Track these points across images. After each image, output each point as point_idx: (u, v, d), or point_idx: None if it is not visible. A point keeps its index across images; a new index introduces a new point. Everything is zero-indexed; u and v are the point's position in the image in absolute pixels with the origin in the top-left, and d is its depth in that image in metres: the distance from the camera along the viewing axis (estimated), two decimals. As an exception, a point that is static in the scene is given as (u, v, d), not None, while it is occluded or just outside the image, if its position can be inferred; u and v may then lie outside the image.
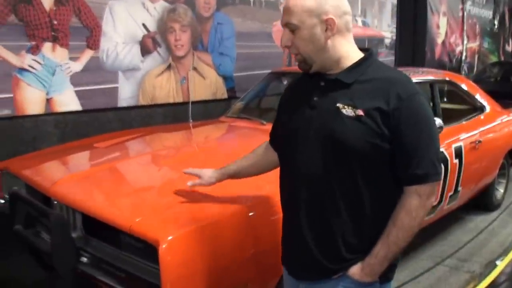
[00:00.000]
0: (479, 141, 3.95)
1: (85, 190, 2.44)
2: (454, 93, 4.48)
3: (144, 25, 4.75)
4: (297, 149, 1.55)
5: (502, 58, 14.22)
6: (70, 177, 2.59)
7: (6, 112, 3.87)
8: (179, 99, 5.13)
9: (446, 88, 4.60)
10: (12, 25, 3.82)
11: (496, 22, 13.75)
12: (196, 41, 5.28)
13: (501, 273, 3.56)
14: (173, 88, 5.09)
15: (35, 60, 3.97)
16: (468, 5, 11.85)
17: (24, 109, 3.98)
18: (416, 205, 1.47)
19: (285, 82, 4.15)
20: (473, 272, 3.56)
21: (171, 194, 2.22)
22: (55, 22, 4.07)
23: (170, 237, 1.84)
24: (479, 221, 4.61)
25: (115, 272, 2.10)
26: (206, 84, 5.43)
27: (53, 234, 2.21)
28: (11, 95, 3.89)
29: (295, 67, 2.55)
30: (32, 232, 2.55)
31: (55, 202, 2.39)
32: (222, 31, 5.57)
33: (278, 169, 1.72)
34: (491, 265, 3.67)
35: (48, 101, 4.11)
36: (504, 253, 3.89)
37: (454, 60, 11.49)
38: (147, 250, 1.92)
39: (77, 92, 4.29)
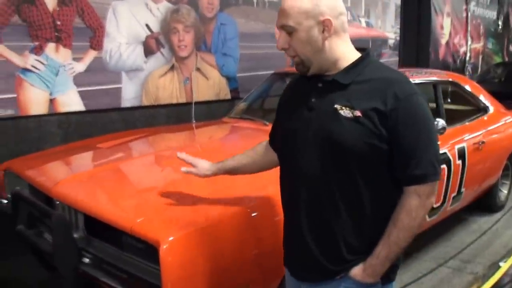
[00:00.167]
0: (483, 142, 3.94)
1: (87, 190, 2.45)
2: (458, 94, 4.47)
3: (147, 25, 4.75)
4: (296, 150, 1.55)
5: (506, 59, 14.17)
6: (72, 178, 2.60)
7: (9, 112, 3.88)
8: (182, 100, 5.13)
9: (449, 89, 4.59)
10: (16, 26, 3.84)
11: (500, 23, 13.70)
12: (199, 42, 5.28)
13: (505, 274, 3.54)
14: (176, 88, 5.09)
15: (38, 61, 3.99)
16: (472, 5, 11.81)
17: (28, 109, 3.99)
18: (416, 205, 1.47)
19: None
20: (476, 274, 3.54)
21: (173, 194, 2.22)
22: (59, 23, 4.08)
23: (171, 238, 1.84)
24: (482, 222, 4.60)
25: (116, 272, 2.09)
26: (209, 85, 5.43)
27: (54, 234, 2.22)
28: (15, 95, 3.90)
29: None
30: (35, 232, 2.56)
31: (58, 203, 2.40)
32: (226, 32, 5.57)
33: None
34: (495, 267, 3.65)
35: (52, 101, 4.12)
36: (508, 254, 3.87)
37: (458, 61, 11.46)
38: (148, 250, 1.92)
39: (80, 93, 4.30)
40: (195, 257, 1.89)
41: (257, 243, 2.11)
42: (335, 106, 1.47)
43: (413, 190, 1.47)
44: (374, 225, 1.52)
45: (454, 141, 3.61)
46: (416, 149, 1.45)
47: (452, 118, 3.88)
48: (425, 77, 3.86)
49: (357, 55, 1.55)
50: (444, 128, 3.35)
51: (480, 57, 12.76)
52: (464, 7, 11.48)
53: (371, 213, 1.51)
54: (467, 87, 4.43)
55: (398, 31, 9.25)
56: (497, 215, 4.75)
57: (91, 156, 3.23)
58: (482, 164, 4.03)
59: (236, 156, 1.96)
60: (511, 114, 4.71)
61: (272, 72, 4.55)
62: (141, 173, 2.77)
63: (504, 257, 3.81)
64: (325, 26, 1.47)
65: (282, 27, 1.50)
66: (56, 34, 4.07)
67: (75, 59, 4.23)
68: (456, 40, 11.28)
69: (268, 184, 2.10)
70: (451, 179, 3.48)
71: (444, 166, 3.37)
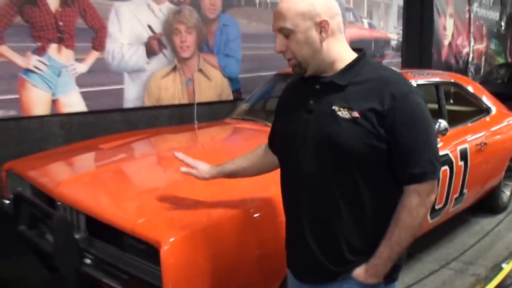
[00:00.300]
0: (485, 143, 3.93)
1: (88, 191, 2.45)
2: (460, 95, 4.46)
3: (149, 26, 4.76)
4: (296, 152, 1.55)
5: (509, 60, 14.17)
6: (74, 179, 2.60)
7: (12, 113, 3.88)
8: (185, 101, 5.13)
9: (452, 90, 4.58)
10: (18, 26, 3.84)
11: (503, 24, 13.69)
12: (202, 43, 5.28)
13: (507, 276, 3.53)
14: (179, 89, 5.09)
15: (40, 61, 3.99)
16: (475, 6, 11.81)
17: (30, 110, 4.00)
18: (416, 204, 1.47)
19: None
20: (479, 275, 3.54)
21: (174, 195, 2.22)
22: (61, 24, 4.08)
23: (172, 239, 1.84)
24: (484, 223, 4.59)
25: (117, 273, 2.10)
26: (212, 86, 5.43)
27: (56, 235, 2.22)
28: (17, 96, 3.90)
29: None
30: (36, 233, 2.57)
31: (59, 203, 2.40)
32: (228, 33, 5.57)
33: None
34: (497, 268, 3.65)
35: (54, 102, 4.13)
36: (510, 256, 3.86)
37: (460, 62, 11.45)
38: (149, 251, 1.92)
39: (82, 93, 4.30)
40: (196, 258, 1.89)
41: (259, 244, 2.11)
42: (333, 107, 1.47)
43: (413, 189, 1.47)
44: (375, 226, 1.52)
45: (456, 142, 3.60)
46: (414, 148, 1.45)
47: (455, 119, 3.87)
48: (428, 78, 3.85)
49: (353, 55, 1.55)
50: (446, 129, 3.34)
51: (483, 58, 12.75)
52: (467, 8, 11.47)
53: (371, 213, 1.51)
54: (470, 88, 4.42)
55: (401, 32, 9.23)
56: (500, 217, 4.74)
57: (93, 157, 3.23)
58: (484, 166, 4.02)
59: (235, 159, 1.95)
60: (513, 115, 4.70)
61: (274, 73, 4.55)
62: (143, 174, 2.77)
63: (506, 259, 3.80)
64: (322, 27, 1.47)
65: (279, 30, 1.50)
66: (59, 35, 4.08)
67: (77, 60, 4.24)
68: (458, 41, 11.27)
69: (271, 185, 2.08)
70: (453, 181, 3.47)
71: (446, 167, 3.37)
